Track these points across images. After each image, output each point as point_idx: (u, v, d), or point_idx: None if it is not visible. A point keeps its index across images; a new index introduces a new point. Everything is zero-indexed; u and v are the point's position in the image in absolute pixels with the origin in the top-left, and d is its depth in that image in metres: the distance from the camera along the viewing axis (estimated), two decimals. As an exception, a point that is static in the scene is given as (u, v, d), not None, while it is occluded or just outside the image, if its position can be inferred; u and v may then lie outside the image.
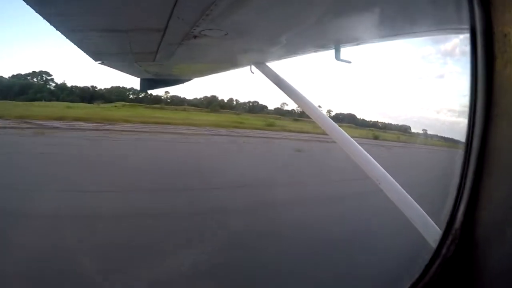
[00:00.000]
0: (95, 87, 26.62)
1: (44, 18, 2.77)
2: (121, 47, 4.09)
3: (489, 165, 1.20)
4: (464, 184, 1.27)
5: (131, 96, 29.95)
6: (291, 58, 4.54)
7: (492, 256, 1.17)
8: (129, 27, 3.09)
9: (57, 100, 25.90)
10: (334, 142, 3.53)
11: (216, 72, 6.60)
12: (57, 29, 3.09)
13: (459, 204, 1.28)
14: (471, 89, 1.25)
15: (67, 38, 3.40)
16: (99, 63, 5.05)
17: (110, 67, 5.78)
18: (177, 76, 7.30)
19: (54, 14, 2.80)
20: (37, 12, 2.61)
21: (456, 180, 1.30)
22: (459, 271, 1.25)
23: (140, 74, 7.16)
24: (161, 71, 6.34)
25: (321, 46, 3.78)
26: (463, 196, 1.27)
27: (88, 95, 25.39)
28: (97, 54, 4.64)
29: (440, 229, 2.40)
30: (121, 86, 29.28)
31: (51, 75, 26.92)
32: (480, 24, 1.18)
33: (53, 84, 26.81)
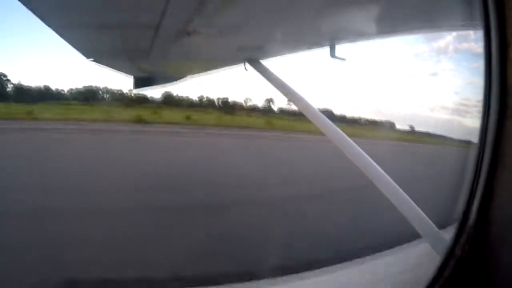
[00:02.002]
0: (48, 87, 26.52)
1: (34, 13, 2.71)
2: (113, 44, 4.03)
3: (504, 159, 1.17)
4: (478, 180, 1.23)
5: (103, 95, 29.63)
6: (286, 56, 4.53)
7: (508, 254, 1.14)
8: (122, 23, 3.04)
9: (6, 101, 25.84)
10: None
11: (210, 70, 6.55)
12: (47, 26, 3.04)
13: (472, 201, 1.24)
14: (485, 82, 1.22)
15: (58, 34, 3.34)
16: (91, 61, 4.98)
17: (103, 65, 5.70)
18: (171, 74, 7.25)
19: (45, 9, 2.74)
20: (27, 8, 2.56)
21: (469, 176, 1.26)
22: (473, 271, 1.22)
23: (133, 72, 7.09)
24: (155, 69, 6.28)
25: (316, 43, 3.76)
26: (476, 192, 1.23)
27: (41, 95, 25.33)
28: (89, 52, 4.58)
29: (436, 226, 2.41)
30: (94, 86, 29.05)
31: (6, 76, 26.92)
32: (494, 17, 1.16)
33: (10, 86, 26.78)
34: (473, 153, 1.26)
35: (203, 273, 5.26)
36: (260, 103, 34.25)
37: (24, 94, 25.87)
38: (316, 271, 4.07)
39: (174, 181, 11.28)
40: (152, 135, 22.56)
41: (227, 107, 32.95)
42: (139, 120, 26.19)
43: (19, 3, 2.43)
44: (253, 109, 33.83)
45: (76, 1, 2.51)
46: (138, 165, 12.96)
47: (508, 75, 1.15)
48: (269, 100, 34.06)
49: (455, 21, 2.51)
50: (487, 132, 1.21)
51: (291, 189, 10.89)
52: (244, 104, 33.74)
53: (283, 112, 32.68)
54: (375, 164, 3.07)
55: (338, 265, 4.21)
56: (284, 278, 4.21)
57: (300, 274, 4.11)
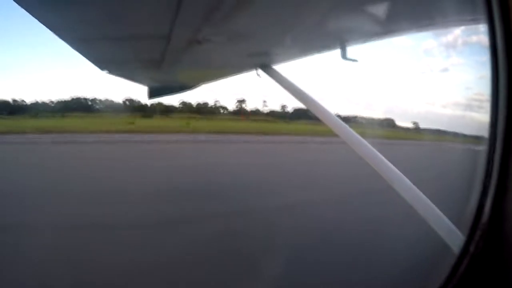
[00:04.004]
0: (16, 100, 27.36)
1: (49, 29, 2.79)
2: (127, 55, 4.11)
3: None
4: (491, 175, 1.20)
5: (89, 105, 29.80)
6: (297, 60, 4.53)
7: None
8: (133, 34, 3.10)
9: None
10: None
11: (222, 77, 6.60)
12: (62, 40, 3.12)
13: (485, 197, 1.22)
14: (492, 76, 1.20)
15: (72, 48, 3.43)
16: (106, 72, 5.08)
17: (117, 75, 5.81)
18: (183, 83, 7.33)
19: (60, 24, 2.82)
20: (42, 23, 2.64)
21: (481, 172, 1.24)
22: (488, 267, 1.19)
23: (147, 82, 7.20)
24: (167, 78, 6.35)
25: (326, 46, 3.75)
26: (489, 189, 1.20)
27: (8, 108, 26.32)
28: (102, 63, 4.68)
29: (453, 224, 2.36)
30: (82, 97, 29.24)
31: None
32: (498, 10, 1.14)
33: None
34: (485, 149, 1.24)
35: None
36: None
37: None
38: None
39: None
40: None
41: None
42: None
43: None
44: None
45: (89, 15, 2.57)
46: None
47: None
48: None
49: (462, 16, 2.48)
50: (497, 127, 1.18)
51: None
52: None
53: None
54: (389, 163, 3.04)
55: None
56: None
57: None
